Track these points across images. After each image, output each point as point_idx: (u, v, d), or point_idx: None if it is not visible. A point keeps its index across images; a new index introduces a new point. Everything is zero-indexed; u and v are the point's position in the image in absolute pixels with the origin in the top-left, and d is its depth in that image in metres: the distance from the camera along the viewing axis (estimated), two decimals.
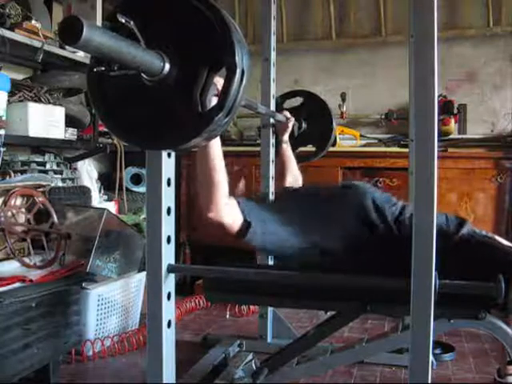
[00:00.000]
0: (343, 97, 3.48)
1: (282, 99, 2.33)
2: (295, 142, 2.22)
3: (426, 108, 1.09)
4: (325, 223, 1.54)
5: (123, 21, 0.90)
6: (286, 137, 2.11)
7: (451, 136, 3.31)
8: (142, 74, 0.96)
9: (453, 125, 3.31)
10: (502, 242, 1.56)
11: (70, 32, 0.74)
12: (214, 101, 0.97)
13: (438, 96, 3.06)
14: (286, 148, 2.12)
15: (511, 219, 3.00)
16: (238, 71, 0.93)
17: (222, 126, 0.98)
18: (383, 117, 3.51)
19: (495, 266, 1.35)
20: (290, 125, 2.10)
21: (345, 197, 1.63)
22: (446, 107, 3.30)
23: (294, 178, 2.09)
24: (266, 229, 1.47)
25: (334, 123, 2.32)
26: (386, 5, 3.56)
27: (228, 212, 1.41)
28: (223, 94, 0.94)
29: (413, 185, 1.16)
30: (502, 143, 3.21)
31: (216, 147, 1.33)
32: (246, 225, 1.43)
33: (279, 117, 2.08)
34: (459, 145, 3.25)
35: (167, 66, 0.96)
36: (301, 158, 2.23)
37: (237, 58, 0.93)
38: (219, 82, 0.97)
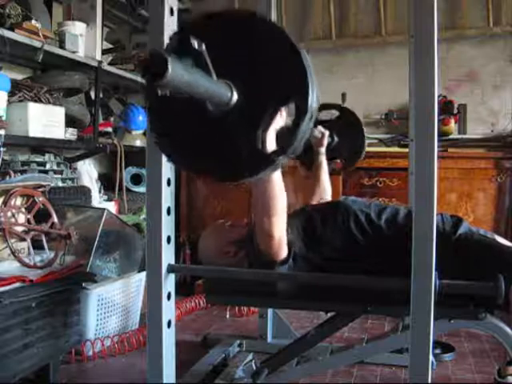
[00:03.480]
0: (343, 97, 3.47)
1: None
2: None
3: (425, 108, 1.09)
4: (324, 246, 1.55)
5: (196, 46, 0.86)
6: (322, 149, 2.11)
7: (451, 136, 3.31)
8: (208, 104, 0.92)
9: (453, 125, 3.32)
10: (501, 241, 1.56)
11: (154, 70, 0.72)
12: (273, 136, 0.93)
13: (438, 96, 3.06)
14: (323, 160, 2.11)
15: (511, 219, 3.00)
16: (308, 115, 0.89)
17: (282, 165, 0.94)
18: (383, 117, 3.51)
19: (495, 266, 1.35)
20: (325, 140, 2.09)
21: (335, 215, 1.62)
22: (446, 107, 3.31)
23: (325, 190, 2.07)
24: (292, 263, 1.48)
25: (366, 139, 2.30)
26: (386, 5, 3.56)
27: (282, 246, 1.41)
28: (290, 137, 0.90)
29: (413, 185, 1.16)
30: (502, 143, 3.22)
31: (277, 179, 1.29)
32: (287, 259, 1.44)
33: (315, 132, 2.07)
34: (459, 145, 3.25)
35: (235, 98, 0.92)
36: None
37: (309, 101, 0.89)
38: (282, 117, 0.94)
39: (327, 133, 2.10)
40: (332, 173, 2.19)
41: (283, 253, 1.43)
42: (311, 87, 0.90)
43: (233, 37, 0.95)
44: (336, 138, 2.22)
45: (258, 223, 1.39)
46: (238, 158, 0.94)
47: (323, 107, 2.31)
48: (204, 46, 0.86)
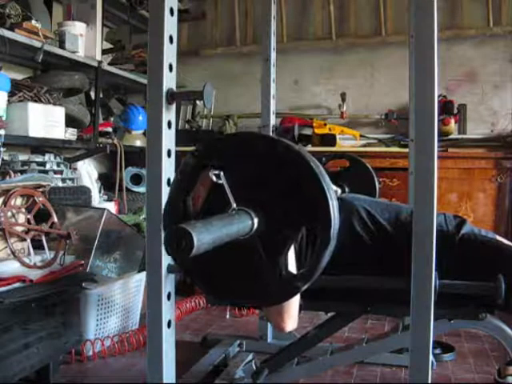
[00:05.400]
0: (343, 97, 3.48)
1: (326, 160, 2.28)
2: None
3: (425, 108, 1.08)
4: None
5: (214, 179, 0.88)
6: None
7: (451, 136, 3.31)
8: None
9: (453, 125, 3.31)
10: (503, 241, 1.56)
11: (181, 247, 0.75)
12: (293, 257, 0.94)
13: (438, 96, 3.06)
14: None
15: (511, 219, 3.00)
16: (331, 245, 0.89)
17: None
18: (383, 117, 3.51)
19: (496, 267, 1.35)
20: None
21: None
22: (446, 107, 3.30)
23: None
24: None
25: (378, 189, 2.27)
26: (386, 5, 3.57)
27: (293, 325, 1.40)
28: (313, 267, 0.90)
29: (413, 185, 1.16)
30: (502, 143, 3.22)
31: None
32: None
33: None
34: (459, 145, 3.25)
35: (255, 225, 0.92)
36: None
37: (331, 231, 0.88)
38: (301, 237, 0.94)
39: (339, 191, 2.07)
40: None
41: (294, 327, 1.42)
42: (333, 216, 0.89)
43: (251, 160, 0.95)
44: (347, 189, 2.18)
45: (268, 317, 1.38)
46: (262, 285, 0.95)
47: (335, 157, 2.28)
48: (223, 177, 0.88)
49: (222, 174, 0.88)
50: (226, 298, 1.03)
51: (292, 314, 1.36)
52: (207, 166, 0.90)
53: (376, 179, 2.18)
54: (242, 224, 0.90)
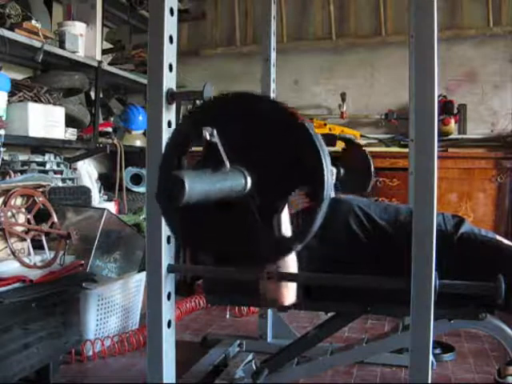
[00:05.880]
0: (343, 97, 3.48)
1: None
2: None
3: (425, 108, 1.08)
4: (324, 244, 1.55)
5: (208, 137, 0.86)
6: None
7: (451, 136, 3.31)
8: None
9: (453, 125, 3.32)
10: (503, 241, 1.55)
11: (172, 193, 0.74)
12: (287, 219, 0.93)
13: (438, 96, 3.06)
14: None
15: (511, 219, 3.00)
16: (324, 204, 0.89)
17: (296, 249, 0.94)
18: (383, 117, 3.51)
19: (496, 266, 1.35)
20: (333, 178, 2.08)
21: (334, 213, 1.62)
22: (446, 107, 3.31)
23: None
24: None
25: (373, 174, 2.28)
26: (386, 5, 3.57)
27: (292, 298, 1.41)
28: (306, 227, 0.89)
29: (413, 185, 1.16)
30: (502, 143, 3.22)
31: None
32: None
33: None
34: (459, 145, 3.25)
35: (249, 184, 0.91)
36: None
37: (325, 191, 0.88)
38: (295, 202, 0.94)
39: (335, 170, 2.08)
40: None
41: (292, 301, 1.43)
42: (327, 174, 0.88)
43: (243, 121, 0.95)
44: (342, 171, 2.20)
45: (267, 291, 1.39)
46: (255, 245, 0.94)
47: (329, 141, 2.28)
48: (216, 136, 0.86)
49: (215, 131, 0.87)
50: (217, 259, 1.02)
51: (290, 285, 1.36)
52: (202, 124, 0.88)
53: (371, 161, 2.21)
54: (235, 181, 0.89)
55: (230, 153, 0.89)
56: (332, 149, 2.20)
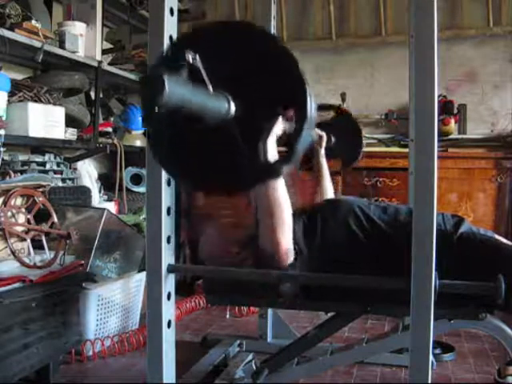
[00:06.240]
0: (343, 97, 3.48)
1: None
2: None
3: (425, 108, 1.09)
4: (326, 246, 1.55)
5: (191, 59, 0.85)
6: (322, 150, 2.12)
7: (451, 136, 3.32)
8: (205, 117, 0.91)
9: (453, 125, 3.32)
10: (502, 240, 1.56)
11: (151, 91, 0.73)
12: (274, 144, 0.94)
13: (438, 96, 3.06)
14: (323, 161, 2.12)
15: (511, 219, 3.00)
16: (308, 122, 0.89)
17: (283, 173, 0.95)
18: (383, 117, 3.51)
19: (496, 266, 1.35)
20: (324, 141, 2.11)
21: (335, 214, 1.62)
22: (446, 107, 3.31)
23: (327, 190, 2.08)
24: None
25: (364, 141, 2.31)
26: (386, 5, 3.57)
27: (289, 253, 1.41)
28: (291, 148, 0.89)
29: (413, 185, 1.16)
30: (502, 143, 3.22)
31: (281, 187, 1.30)
32: (293, 263, 1.44)
33: (314, 134, 2.08)
34: (459, 145, 3.25)
35: (233, 109, 0.91)
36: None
37: (308, 108, 0.89)
38: (281, 125, 0.94)
39: (324, 134, 2.11)
40: (332, 173, 2.19)
41: (290, 258, 1.43)
42: (309, 95, 0.90)
43: (227, 48, 0.95)
44: (333, 139, 2.23)
45: (264, 232, 1.39)
46: (241, 170, 0.94)
47: (319, 108, 2.31)
48: (198, 59, 0.86)
49: (197, 56, 0.86)
50: (208, 186, 1.00)
51: (286, 230, 1.36)
52: (185, 53, 0.86)
53: (361, 129, 2.28)
54: (219, 103, 0.88)
55: (214, 81, 0.89)
56: None
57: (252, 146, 0.92)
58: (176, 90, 0.75)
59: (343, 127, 2.27)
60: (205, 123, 0.91)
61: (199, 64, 0.86)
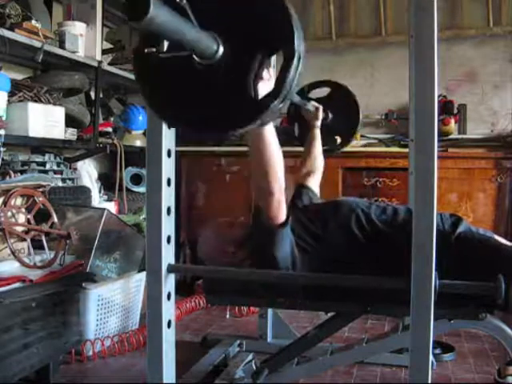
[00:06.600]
0: None
1: (308, 88, 2.31)
2: (320, 132, 2.22)
3: (425, 108, 1.09)
4: (325, 245, 1.55)
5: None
6: (318, 123, 2.13)
7: (451, 136, 3.31)
8: (194, 57, 0.91)
9: (453, 125, 3.31)
10: (501, 240, 1.56)
11: (135, 8, 0.71)
12: (264, 85, 0.94)
13: (438, 96, 3.06)
14: (317, 133, 2.12)
15: (511, 219, 3.00)
16: (296, 58, 0.89)
17: (275, 113, 0.94)
18: (383, 117, 3.51)
19: (495, 266, 1.35)
20: (320, 113, 2.11)
21: (335, 215, 1.62)
22: (446, 107, 3.31)
23: (316, 161, 2.08)
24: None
25: (361, 115, 2.30)
26: (386, 5, 3.56)
27: (282, 206, 1.41)
28: (280, 81, 0.89)
29: (413, 185, 1.16)
30: (502, 143, 3.21)
31: (271, 134, 1.30)
32: (286, 222, 1.44)
33: (309, 106, 2.09)
34: (459, 145, 3.25)
35: (221, 50, 0.91)
36: (325, 151, 2.19)
37: (295, 44, 0.90)
38: (269, 66, 0.95)
39: (321, 107, 2.11)
40: (330, 154, 2.21)
41: (282, 215, 1.42)
42: (297, 32, 0.91)
43: None
44: (330, 115, 2.22)
45: (256, 181, 1.39)
46: (233, 109, 0.94)
47: (315, 85, 2.31)
48: (186, 1, 0.86)
49: None
50: (200, 127, 1.00)
51: (277, 177, 1.35)
52: None
53: (359, 105, 2.26)
54: (206, 39, 0.88)
55: (201, 24, 0.89)
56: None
57: (242, 86, 0.92)
58: (161, 13, 0.74)
59: (340, 102, 2.26)
60: (197, 68, 0.91)
61: (185, 3, 0.86)
